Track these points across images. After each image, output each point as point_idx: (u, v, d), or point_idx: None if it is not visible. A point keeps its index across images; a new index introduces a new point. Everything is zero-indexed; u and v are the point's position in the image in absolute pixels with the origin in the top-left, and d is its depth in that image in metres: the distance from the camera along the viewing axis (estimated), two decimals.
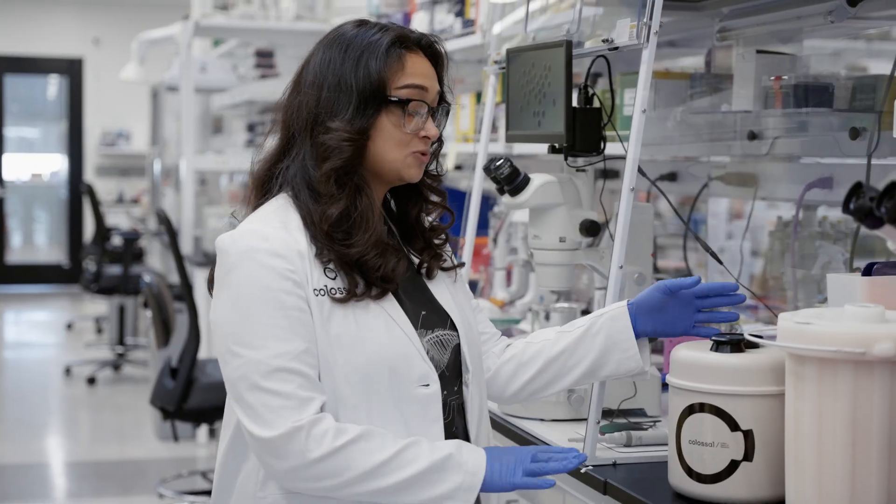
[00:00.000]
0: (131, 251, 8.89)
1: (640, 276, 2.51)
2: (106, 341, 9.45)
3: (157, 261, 9.53)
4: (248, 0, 7.57)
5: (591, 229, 2.46)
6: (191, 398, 4.65)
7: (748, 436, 1.93)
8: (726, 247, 4.20)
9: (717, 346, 1.98)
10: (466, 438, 1.95)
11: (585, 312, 3.09)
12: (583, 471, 2.22)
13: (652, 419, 2.43)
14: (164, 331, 4.85)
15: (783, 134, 2.67)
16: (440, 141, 2.01)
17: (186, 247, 6.70)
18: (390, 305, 1.89)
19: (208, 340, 5.48)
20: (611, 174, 2.74)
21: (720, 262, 2.54)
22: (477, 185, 3.06)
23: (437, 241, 2.04)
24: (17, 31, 13.21)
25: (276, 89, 7.15)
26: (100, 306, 10.67)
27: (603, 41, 2.39)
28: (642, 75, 2.27)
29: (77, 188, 13.09)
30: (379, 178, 1.94)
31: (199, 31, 6.97)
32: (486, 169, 2.51)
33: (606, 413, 2.37)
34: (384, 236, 1.91)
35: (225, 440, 1.94)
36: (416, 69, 1.92)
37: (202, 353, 4.86)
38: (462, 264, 2.12)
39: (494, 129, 3.59)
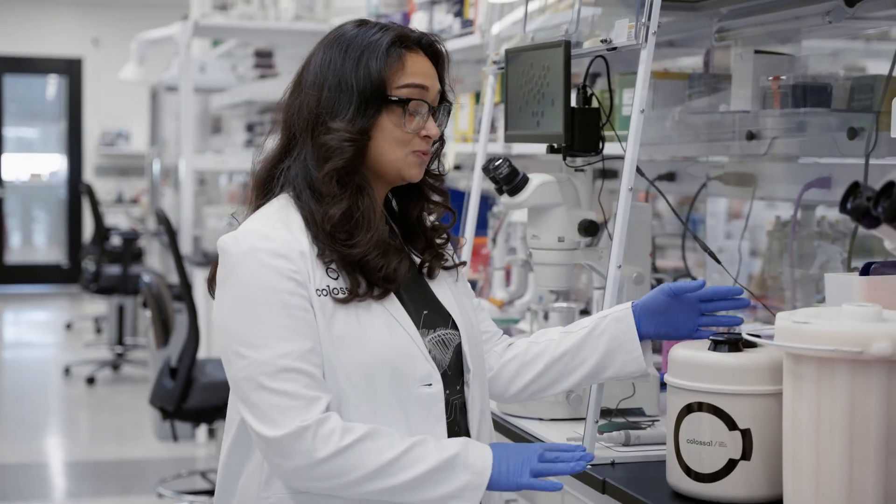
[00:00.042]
0: (130, 251, 8.90)
1: (639, 276, 2.51)
2: (105, 341, 9.45)
3: (156, 261, 9.53)
4: (248, 0, 7.57)
5: (590, 229, 2.47)
6: (190, 398, 4.65)
7: (746, 435, 1.94)
8: (725, 246, 4.21)
9: (715, 346, 1.98)
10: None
11: (584, 312, 3.10)
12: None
13: (650, 418, 2.43)
14: (164, 331, 4.85)
15: (781, 134, 2.68)
16: (442, 140, 2.01)
17: (186, 247, 6.70)
18: (392, 305, 1.89)
19: (208, 340, 5.48)
20: (609, 174, 2.75)
21: (718, 261, 2.55)
22: (476, 184, 3.06)
23: (438, 241, 2.04)
24: (16, 31, 13.21)
25: (275, 89, 7.16)
26: (99, 306, 10.67)
27: (601, 41, 2.39)
28: (640, 75, 2.27)
29: (76, 188, 13.09)
30: (380, 177, 1.94)
31: (199, 32, 6.97)
32: (485, 169, 2.51)
33: (605, 412, 2.37)
34: (386, 236, 1.91)
35: (228, 441, 1.94)
36: (417, 68, 1.92)
37: (201, 353, 4.87)
38: (463, 263, 2.12)
39: (493, 129, 3.60)
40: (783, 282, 2.95)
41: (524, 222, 3.46)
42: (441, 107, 1.96)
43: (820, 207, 2.91)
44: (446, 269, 2.04)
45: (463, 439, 1.86)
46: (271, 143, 1.99)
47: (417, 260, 2.01)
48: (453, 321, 1.98)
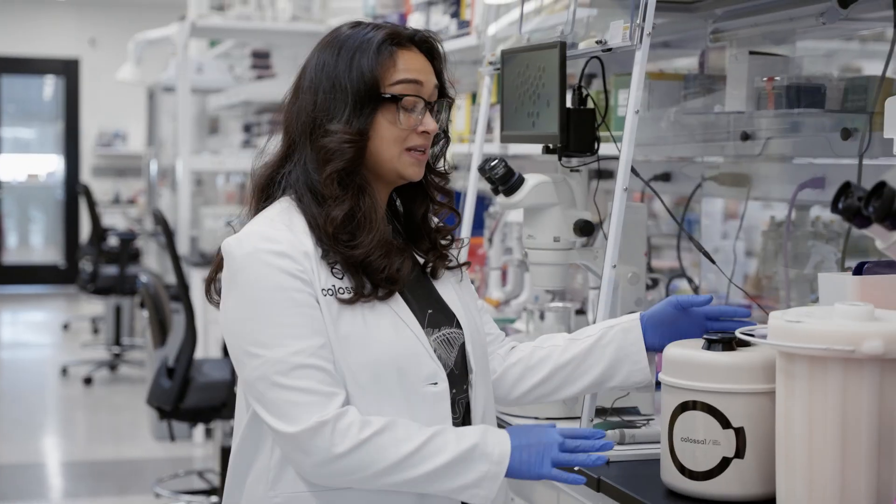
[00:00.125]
0: (128, 251, 8.90)
1: (634, 276, 2.53)
2: (102, 341, 9.45)
3: (153, 261, 9.52)
4: (245, 1, 7.57)
5: (586, 229, 2.48)
6: (187, 398, 4.66)
7: (739, 433, 1.95)
8: (720, 247, 4.21)
9: (709, 345, 1.99)
10: None
11: (580, 312, 3.11)
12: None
13: (645, 417, 2.44)
14: (161, 331, 4.86)
15: (776, 134, 2.69)
16: (447, 138, 2.00)
17: (183, 247, 6.70)
18: (398, 305, 1.90)
19: (204, 340, 5.49)
20: (605, 174, 2.76)
21: (714, 262, 2.56)
22: (472, 185, 3.07)
23: (443, 242, 2.03)
24: (13, 32, 13.20)
25: (272, 90, 7.19)
26: (96, 306, 10.67)
27: (597, 42, 2.41)
28: (635, 76, 2.28)
29: (73, 189, 13.08)
30: (380, 177, 1.93)
31: (196, 32, 6.97)
32: (481, 169, 2.52)
33: (600, 411, 2.39)
34: (388, 236, 1.91)
35: (236, 440, 1.94)
36: (409, 64, 1.90)
37: (198, 353, 4.88)
38: (467, 263, 2.11)
39: (489, 129, 3.61)
40: (778, 282, 2.97)
41: (520, 222, 3.47)
42: (438, 102, 1.94)
43: (814, 208, 2.92)
44: (450, 269, 2.04)
45: (482, 427, 1.86)
46: (271, 146, 1.99)
47: (421, 260, 2.01)
48: (457, 320, 1.98)
